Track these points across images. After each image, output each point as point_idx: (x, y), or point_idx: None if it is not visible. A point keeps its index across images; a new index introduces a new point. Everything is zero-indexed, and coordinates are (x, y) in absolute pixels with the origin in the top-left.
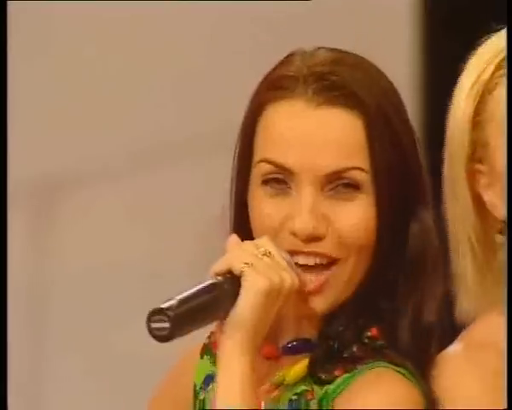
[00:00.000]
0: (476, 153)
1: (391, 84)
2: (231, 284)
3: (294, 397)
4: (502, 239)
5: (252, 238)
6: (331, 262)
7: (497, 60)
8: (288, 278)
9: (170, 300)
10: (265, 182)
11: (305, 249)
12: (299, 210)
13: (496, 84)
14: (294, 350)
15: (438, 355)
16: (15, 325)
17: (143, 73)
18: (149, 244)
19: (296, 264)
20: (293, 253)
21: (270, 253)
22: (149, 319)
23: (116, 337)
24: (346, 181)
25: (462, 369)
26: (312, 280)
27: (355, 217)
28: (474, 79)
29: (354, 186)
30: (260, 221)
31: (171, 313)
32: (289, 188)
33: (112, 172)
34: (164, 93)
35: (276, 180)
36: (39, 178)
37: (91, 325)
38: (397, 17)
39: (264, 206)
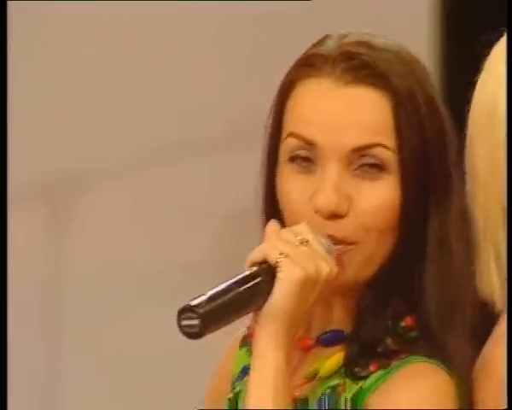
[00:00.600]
0: None
1: (424, 69)
2: (266, 274)
3: (328, 391)
4: None
5: (282, 220)
6: (351, 243)
7: None
8: (325, 267)
9: (201, 295)
10: (292, 159)
11: (326, 232)
12: (322, 187)
13: None
14: (328, 342)
15: (490, 348)
16: (29, 324)
17: (145, 73)
18: (159, 242)
19: None
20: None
21: (307, 241)
22: (180, 316)
23: (127, 334)
24: (371, 160)
25: None
26: (339, 248)
27: (379, 197)
28: None
29: (379, 166)
30: (287, 199)
31: (200, 311)
32: (315, 165)
33: (120, 171)
34: (165, 92)
35: (303, 158)
36: (45, 180)
37: (104, 323)
38: (415, 18)
39: (291, 184)
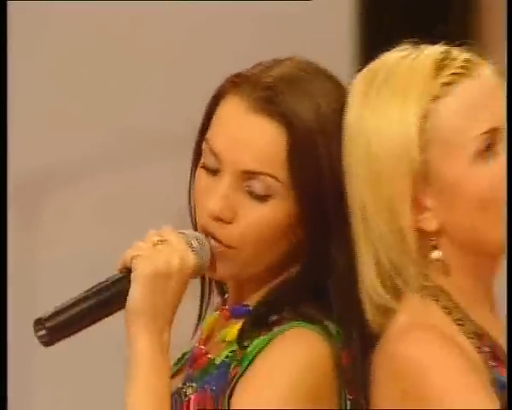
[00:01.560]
0: (421, 173)
1: (334, 109)
2: (127, 276)
3: (230, 354)
4: (438, 254)
5: None
6: (230, 247)
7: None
8: (176, 261)
9: (55, 307)
10: (204, 160)
11: (210, 230)
12: (214, 193)
13: (437, 97)
14: (236, 313)
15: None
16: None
17: (142, 73)
18: (121, 234)
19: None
20: (203, 229)
21: (164, 240)
22: (34, 327)
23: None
24: (258, 185)
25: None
26: (216, 246)
27: (261, 216)
28: (417, 96)
29: (265, 191)
30: (195, 193)
31: (47, 324)
32: (219, 172)
33: (94, 171)
34: (161, 92)
35: (211, 163)
36: (28, 175)
37: None
38: (337, 37)
39: (200, 181)
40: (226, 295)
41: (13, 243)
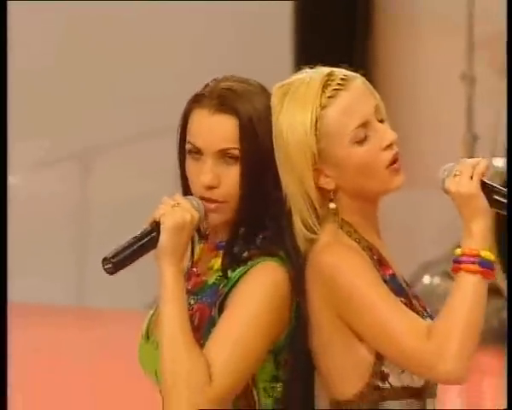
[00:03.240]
0: (319, 155)
1: (264, 105)
2: (157, 227)
3: (218, 278)
4: (332, 205)
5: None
6: (222, 202)
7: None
8: (188, 216)
9: (116, 248)
10: (190, 152)
11: (206, 196)
12: (203, 171)
13: (324, 106)
14: (219, 247)
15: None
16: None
17: (139, 71)
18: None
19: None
20: (201, 198)
21: (178, 203)
22: (103, 263)
23: None
24: (230, 155)
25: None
26: (211, 207)
27: (235, 176)
28: (311, 108)
29: (235, 158)
30: (189, 176)
31: (112, 260)
32: (201, 157)
33: (126, 141)
34: (161, 84)
35: (195, 153)
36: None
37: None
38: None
39: (190, 168)
40: (207, 232)
41: (74, 191)
